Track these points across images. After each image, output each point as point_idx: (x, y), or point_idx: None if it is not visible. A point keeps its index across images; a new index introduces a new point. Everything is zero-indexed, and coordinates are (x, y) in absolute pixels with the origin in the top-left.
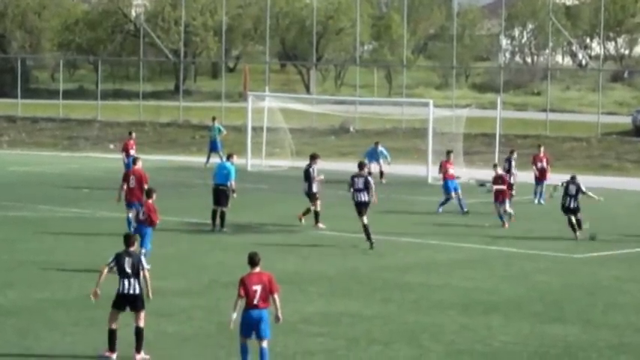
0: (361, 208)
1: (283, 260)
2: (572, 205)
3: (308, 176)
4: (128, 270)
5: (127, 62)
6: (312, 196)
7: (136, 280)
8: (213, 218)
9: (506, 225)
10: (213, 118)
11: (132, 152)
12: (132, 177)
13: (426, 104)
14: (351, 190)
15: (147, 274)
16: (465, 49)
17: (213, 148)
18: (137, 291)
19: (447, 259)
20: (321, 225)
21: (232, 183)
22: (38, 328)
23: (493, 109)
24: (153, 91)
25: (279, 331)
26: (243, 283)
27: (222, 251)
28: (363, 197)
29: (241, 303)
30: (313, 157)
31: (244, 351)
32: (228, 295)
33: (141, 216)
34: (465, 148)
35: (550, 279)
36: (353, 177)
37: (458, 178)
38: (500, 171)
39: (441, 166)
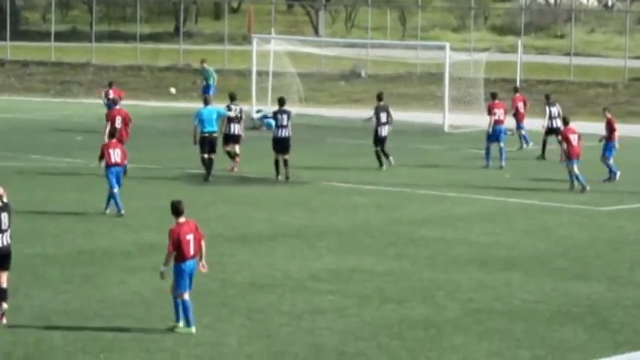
0: (286, 144)
1: (290, 214)
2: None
3: (240, 118)
4: (5, 226)
5: (123, 2)
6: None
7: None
8: (207, 166)
9: (587, 188)
10: (202, 61)
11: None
12: (118, 117)
13: (443, 47)
14: (274, 126)
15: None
16: None
17: (206, 92)
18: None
19: (464, 213)
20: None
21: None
22: (29, 285)
23: (514, 53)
24: (151, 32)
25: (287, 289)
26: (176, 235)
27: (225, 203)
28: (286, 133)
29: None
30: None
31: (188, 308)
32: (232, 250)
33: (118, 158)
34: (484, 94)
35: (573, 233)
36: (276, 113)
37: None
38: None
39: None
